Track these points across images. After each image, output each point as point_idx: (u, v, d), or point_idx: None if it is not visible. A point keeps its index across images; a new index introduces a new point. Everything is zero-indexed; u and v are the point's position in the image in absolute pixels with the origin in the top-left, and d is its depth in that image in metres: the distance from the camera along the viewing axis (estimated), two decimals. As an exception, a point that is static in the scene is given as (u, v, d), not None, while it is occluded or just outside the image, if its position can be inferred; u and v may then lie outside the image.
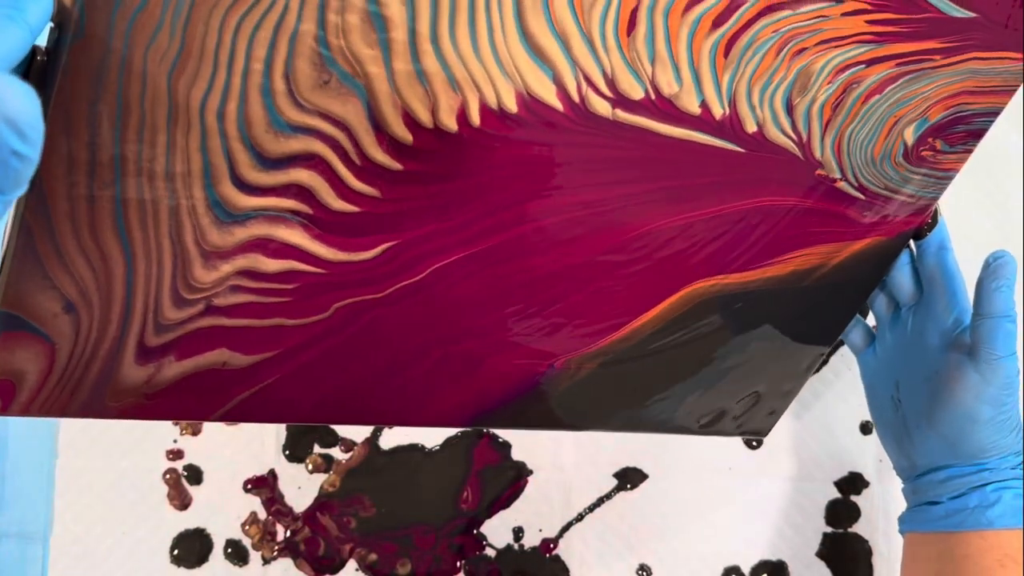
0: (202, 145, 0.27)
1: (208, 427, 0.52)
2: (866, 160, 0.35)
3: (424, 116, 0.29)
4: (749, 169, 0.34)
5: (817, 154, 0.35)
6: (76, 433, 0.51)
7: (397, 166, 0.30)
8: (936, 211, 0.40)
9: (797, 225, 0.37)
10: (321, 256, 0.31)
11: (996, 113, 0.35)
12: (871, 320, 0.47)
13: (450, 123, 0.29)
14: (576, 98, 0.30)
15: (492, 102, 0.29)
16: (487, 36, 0.28)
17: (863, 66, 0.32)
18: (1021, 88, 0.35)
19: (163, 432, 0.51)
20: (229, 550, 0.51)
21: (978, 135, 0.36)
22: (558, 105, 0.30)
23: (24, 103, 0.18)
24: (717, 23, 0.29)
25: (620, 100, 0.30)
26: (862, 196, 0.37)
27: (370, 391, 0.37)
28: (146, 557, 0.50)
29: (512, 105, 0.29)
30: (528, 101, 0.29)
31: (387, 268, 0.33)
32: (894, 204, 0.38)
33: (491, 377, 0.38)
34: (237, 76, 0.26)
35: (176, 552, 0.51)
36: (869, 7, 0.30)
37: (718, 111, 0.32)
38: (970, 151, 0.37)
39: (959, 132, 0.36)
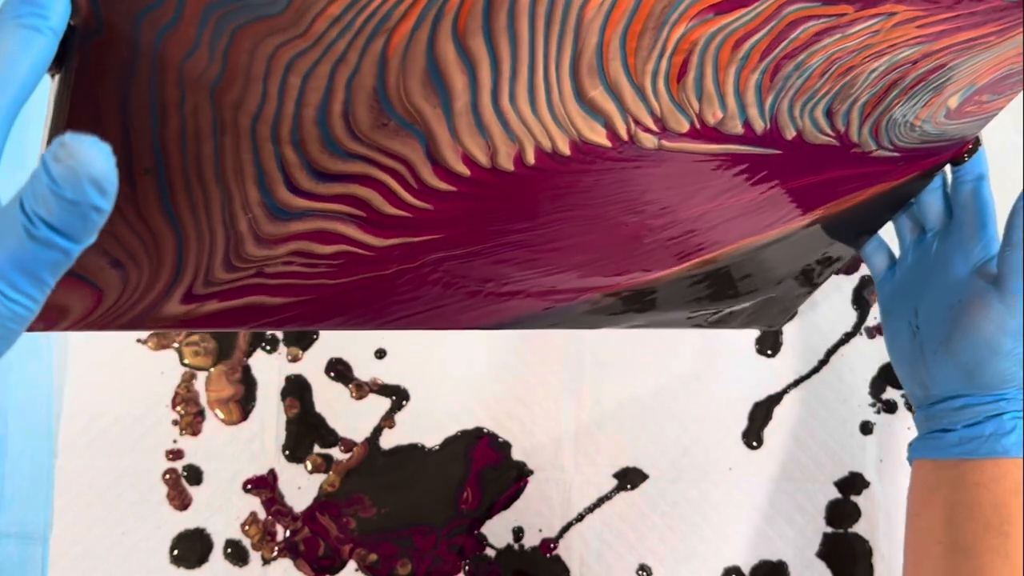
0: (255, 157, 0.27)
1: (208, 427, 0.52)
2: (905, 128, 0.35)
3: (483, 159, 0.30)
4: (784, 162, 0.35)
5: (855, 139, 0.35)
6: (76, 433, 0.51)
7: (452, 189, 0.31)
8: (977, 140, 0.39)
9: (830, 184, 0.37)
10: (371, 244, 0.33)
11: None
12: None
13: (507, 165, 0.30)
14: (625, 137, 0.31)
15: (547, 148, 0.30)
16: (545, 97, 0.28)
17: (909, 65, 0.32)
18: (1022, 87, 0.35)
19: (163, 432, 0.51)
20: (229, 550, 0.51)
21: None
22: (607, 144, 0.31)
23: (104, 162, 0.19)
24: (765, 54, 0.29)
25: (666, 133, 0.31)
26: (898, 154, 0.37)
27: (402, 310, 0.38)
28: (146, 557, 0.50)
29: (566, 150, 0.31)
30: (580, 146, 0.31)
31: (428, 250, 0.34)
32: (931, 150, 0.37)
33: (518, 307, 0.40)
34: (290, 104, 0.26)
35: (176, 552, 0.50)
36: (921, 13, 0.30)
37: (759, 127, 0.32)
38: (1018, 92, 0.36)
39: (1008, 84, 0.35)
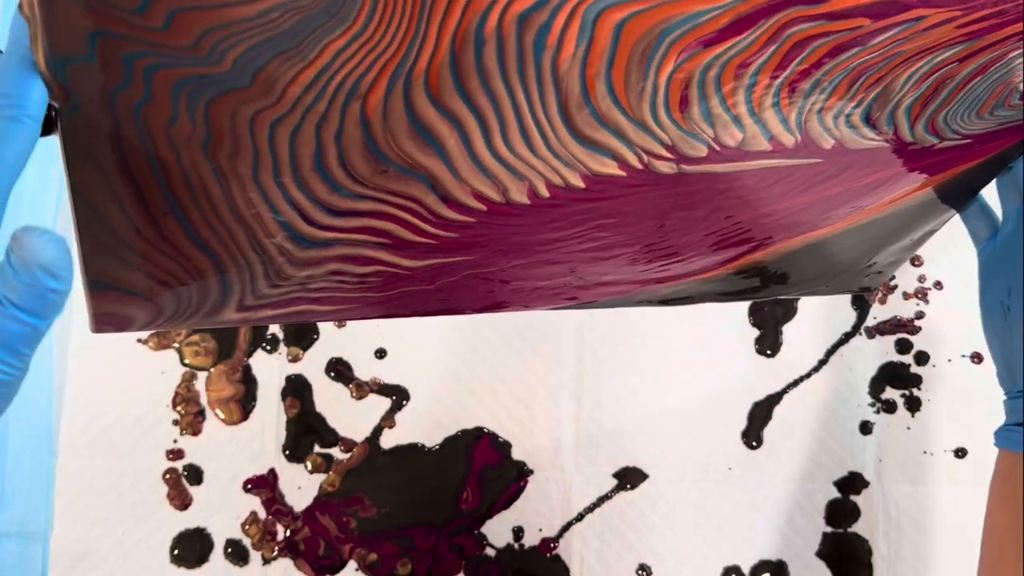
0: (264, 198, 0.27)
1: (208, 427, 0.52)
2: (971, 117, 0.33)
3: (495, 196, 0.30)
4: (831, 167, 0.33)
5: (908, 139, 0.33)
6: (76, 433, 0.51)
7: (471, 220, 0.31)
8: None
9: (892, 179, 0.35)
10: (406, 265, 0.33)
11: None
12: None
13: (521, 200, 0.30)
14: (639, 166, 0.30)
15: (559, 183, 0.30)
16: (541, 140, 0.28)
17: (957, 63, 0.30)
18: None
19: (163, 432, 0.51)
20: (229, 550, 0.51)
21: None
22: (622, 175, 0.30)
23: (56, 252, 0.23)
24: (775, 75, 0.28)
25: (683, 159, 0.30)
26: (970, 140, 0.34)
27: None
28: (146, 557, 0.50)
29: (579, 183, 0.30)
30: (593, 178, 0.30)
31: (466, 267, 0.34)
32: (1014, 128, 0.35)
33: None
34: (284, 157, 0.26)
35: (176, 552, 0.50)
36: (957, 14, 0.28)
37: (789, 141, 0.31)
38: None
39: None
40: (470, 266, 0.34)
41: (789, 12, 0.26)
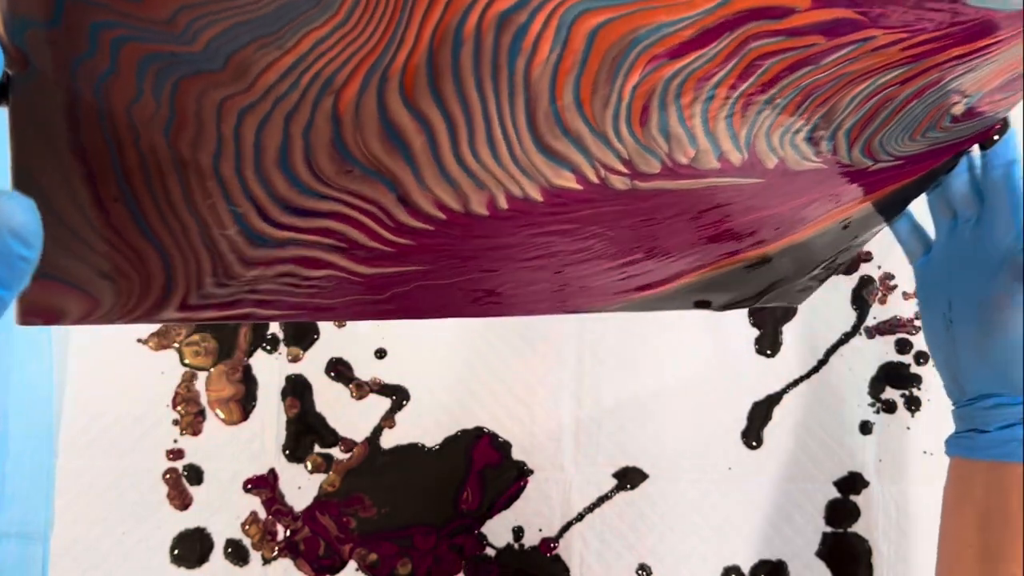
0: (223, 191, 0.26)
1: (208, 427, 0.52)
2: (905, 140, 0.34)
3: (455, 206, 0.30)
4: (771, 189, 0.34)
5: (845, 161, 0.34)
6: (76, 433, 0.51)
7: (430, 228, 0.30)
8: (1005, 121, 0.37)
9: (827, 200, 0.36)
10: (359, 272, 0.32)
11: None
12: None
13: (481, 211, 0.30)
14: (596, 181, 0.30)
15: (518, 194, 0.30)
16: (506, 149, 0.28)
17: (898, 85, 0.30)
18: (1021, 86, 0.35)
19: (163, 432, 0.51)
20: (229, 550, 0.51)
21: None
22: (579, 188, 0.31)
23: (26, 216, 0.21)
24: (732, 90, 0.28)
25: (637, 175, 0.31)
26: (902, 161, 0.35)
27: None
28: (146, 557, 0.50)
29: (537, 196, 0.30)
30: (551, 191, 0.30)
31: (419, 277, 0.34)
32: (943, 149, 0.36)
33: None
34: (249, 149, 0.25)
35: (176, 552, 0.50)
36: (904, 36, 0.28)
37: (737, 159, 0.31)
38: None
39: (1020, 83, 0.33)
40: (423, 276, 0.34)
41: (751, 27, 0.26)
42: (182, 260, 0.29)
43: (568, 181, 0.30)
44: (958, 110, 0.33)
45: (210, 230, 0.28)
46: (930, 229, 0.43)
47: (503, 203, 0.30)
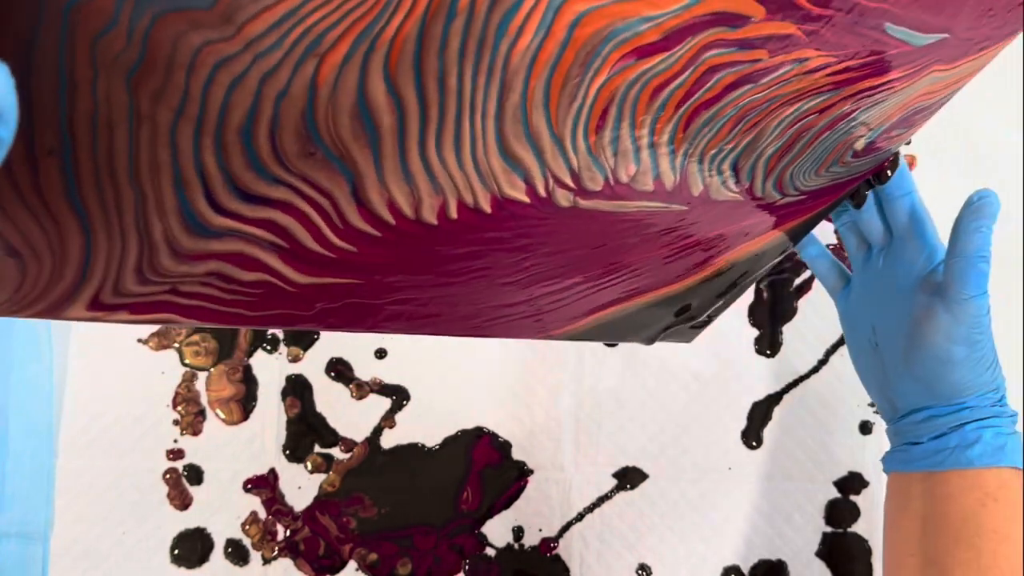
0: (173, 157, 0.24)
1: (208, 427, 0.52)
2: (811, 175, 0.35)
3: (408, 211, 0.30)
4: (691, 218, 0.35)
5: (759, 194, 0.35)
6: (76, 433, 0.51)
7: (377, 234, 0.30)
8: (896, 156, 0.40)
9: (741, 233, 0.38)
10: (292, 279, 0.31)
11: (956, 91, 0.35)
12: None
13: (431, 219, 0.30)
14: (543, 194, 0.31)
15: (469, 203, 0.30)
16: (470, 148, 0.28)
17: (816, 115, 0.31)
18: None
19: (164, 432, 0.51)
20: (229, 550, 0.51)
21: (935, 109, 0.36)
22: (526, 200, 0.31)
23: (1, 87, 0.18)
24: (680, 104, 0.29)
25: (581, 191, 0.31)
26: (805, 196, 0.37)
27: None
28: (146, 557, 0.50)
29: (487, 207, 0.31)
30: (501, 202, 0.31)
31: (351, 293, 0.33)
32: (843, 184, 0.38)
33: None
34: (214, 108, 0.23)
35: (176, 552, 0.51)
36: (832, 60, 0.29)
37: (670, 182, 0.32)
38: (927, 118, 0.36)
39: (917, 117, 0.35)
40: (355, 293, 0.33)
41: (711, 33, 0.26)
42: (107, 243, 0.26)
43: (519, 192, 0.30)
44: (859, 145, 0.35)
45: (147, 208, 0.26)
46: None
47: (453, 212, 0.30)
